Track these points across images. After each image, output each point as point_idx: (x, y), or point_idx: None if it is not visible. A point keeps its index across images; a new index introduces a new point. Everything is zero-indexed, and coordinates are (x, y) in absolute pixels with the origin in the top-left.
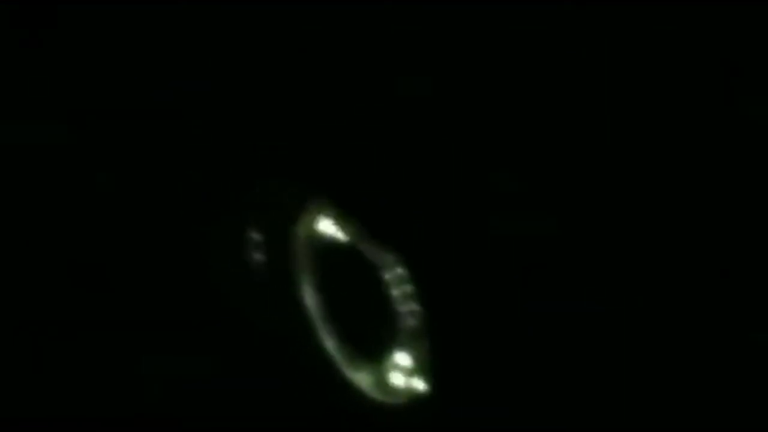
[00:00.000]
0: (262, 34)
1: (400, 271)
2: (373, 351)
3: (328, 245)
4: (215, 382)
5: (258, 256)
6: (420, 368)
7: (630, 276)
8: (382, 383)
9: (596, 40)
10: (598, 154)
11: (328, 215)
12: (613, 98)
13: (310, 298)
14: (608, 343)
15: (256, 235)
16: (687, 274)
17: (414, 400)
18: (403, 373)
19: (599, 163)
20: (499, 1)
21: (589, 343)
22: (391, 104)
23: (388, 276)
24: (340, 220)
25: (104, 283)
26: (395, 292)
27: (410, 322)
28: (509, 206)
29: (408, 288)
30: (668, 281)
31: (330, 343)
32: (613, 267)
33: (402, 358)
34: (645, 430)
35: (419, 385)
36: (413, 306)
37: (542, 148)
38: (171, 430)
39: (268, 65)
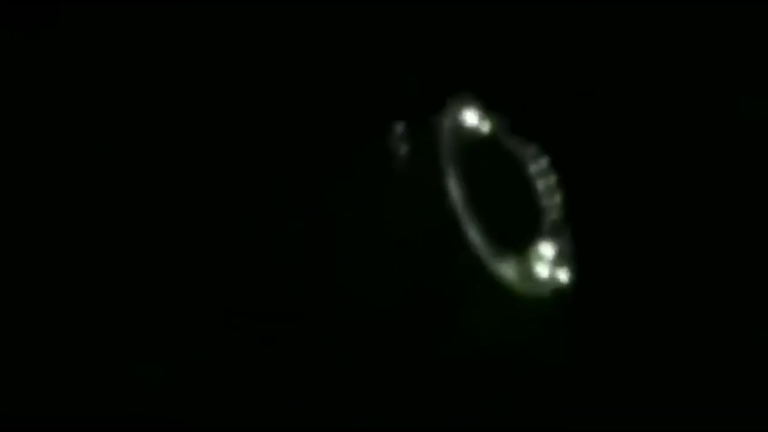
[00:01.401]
0: None
1: (543, 163)
2: (517, 242)
3: (472, 137)
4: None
5: (403, 148)
6: (564, 259)
7: None
8: (527, 274)
9: None
10: None
11: (472, 107)
12: None
13: (454, 189)
14: None
15: (401, 127)
16: None
17: (557, 291)
18: (547, 264)
19: None
20: None
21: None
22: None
23: (531, 168)
24: (485, 112)
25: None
26: (539, 185)
27: (554, 214)
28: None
29: (551, 180)
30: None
31: (474, 235)
32: None
33: (546, 250)
34: None
35: (563, 276)
36: (557, 198)
37: None
38: None
39: None
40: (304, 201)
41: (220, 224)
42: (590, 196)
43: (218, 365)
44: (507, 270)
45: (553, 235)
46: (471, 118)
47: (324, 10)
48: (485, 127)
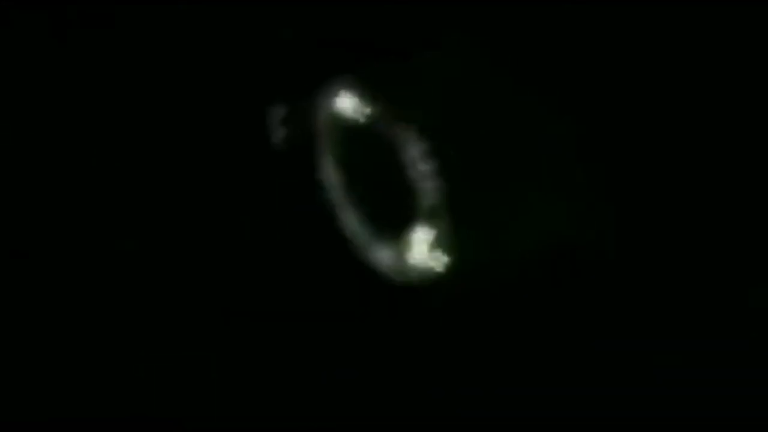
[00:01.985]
0: None
1: (420, 148)
2: (393, 229)
3: (349, 123)
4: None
5: (279, 134)
6: (440, 245)
7: None
8: (403, 261)
9: None
10: None
11: (349, 93)
12: None
13: (331, 175)
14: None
15: (278, 112)
16: None
17: (434, 277)
18: (423, 250)
19: None
20: None
21: None
22: None
23: (408, 154)
24: (362, 98)
25: None
26: (415, 170)
27: (430, 200)
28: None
29: (427, 166)
30: None
31: (351, 222)
32: None
33: (422, 236)
34: None
35: (440, 262)
36: (432, 184)
37: None
38: None
39: None
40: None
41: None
42: (467, 182)
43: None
44: (383, 256)
45: (430, 220)
46: (348, 103)
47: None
48: (362, 113)
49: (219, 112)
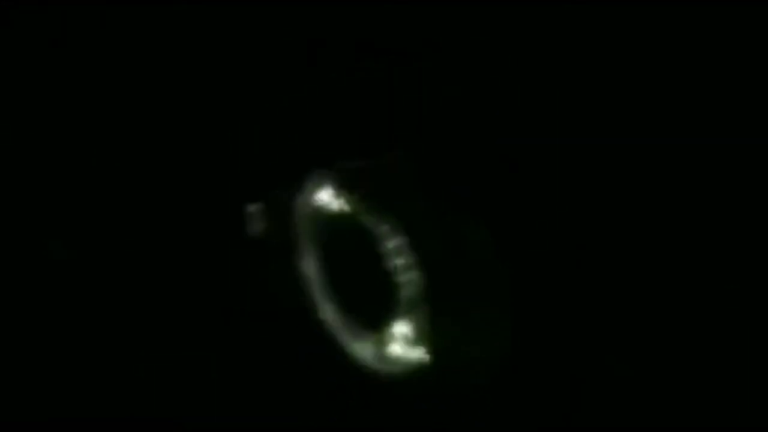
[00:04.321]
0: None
1: (399, 241)
2: (373, 321)
3: (329, 216)
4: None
5: (260, 226)
6: (419, 338)
7: None
8: (382, 353)
9: None
10: None
11: (329, 186)
12: None
13: (311, 268)
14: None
15: (258, 206)
16: None
17: (413, 369)
18: (402, 342)
19: None
20: None
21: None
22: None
23: (387, 246)
24: (341, 191)
25: None
26: (395, 262)
27: (409, 292)
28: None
29: (407, 258)
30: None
31: (330, 314)
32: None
33: (402, 328)
34: None
35: (418, 354)
36: (412, 276)
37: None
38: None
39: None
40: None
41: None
42: (447, 272)
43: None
44: (362, 348)
45: (409, 313)
46: (326, 196)
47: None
48: (341, 205)
49: (199, 207)
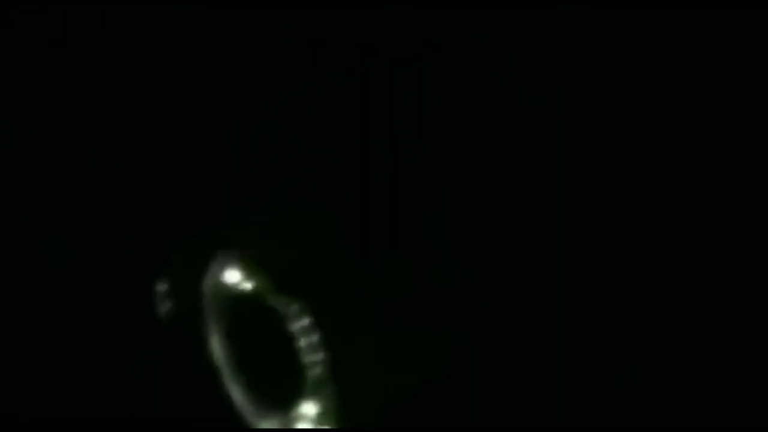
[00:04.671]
0: None
1: (305, 321)
2: (280, 400)
3: (235, 296)
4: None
5: (167, 307)
6: (326, 417)
7: None
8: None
9: None
10: None
11: (235, 266)
12: None
13: (217, 348)
14: None
15: (164, 286)
16: None
17: None
18: (310, 422)
19: None
20: None
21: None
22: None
23: (294, 326)
24: (247, 270)
25: None
26: (301, 342)
27: (316, 371)
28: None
29: (313, 338)
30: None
31: (237, 393)
32: None
33: (309, 408)
34: None
35: None
36: (319, 355)
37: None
38: None
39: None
40: None
41: None
42: (354, 351)
43: None
44: (271, 428)
45: (316, 392)
46: (233, 276)
47: None
48: (247, 285)
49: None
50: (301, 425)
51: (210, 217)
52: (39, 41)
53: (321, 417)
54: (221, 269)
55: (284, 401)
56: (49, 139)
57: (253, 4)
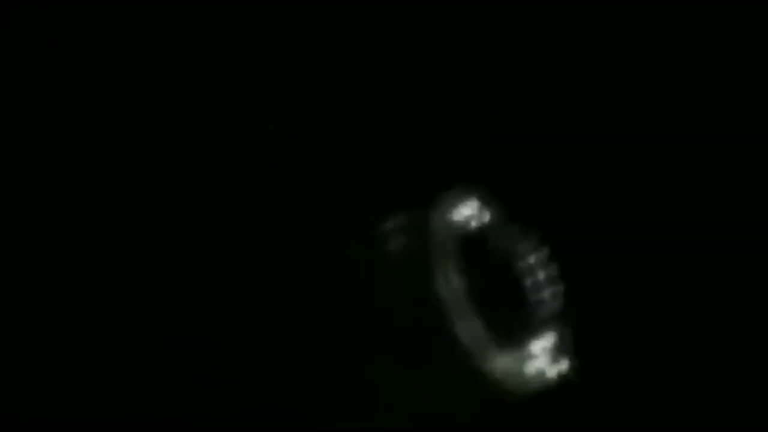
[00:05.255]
0: None
1: (536, 257)
2: (510, 339)
3: (464, 233)
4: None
5: (393, 244)
6: (560, 355)
7: None
8: (521, 371)
9: None
10: None
11: (464, 201)
12: None
13: (445, 286)
14: None
15: (392, 223)
16: None
17: (553, 387)
18: (542, 360)
19: None
20: None
21: None
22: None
23: (524, 263)
24: (477, 206)
25: None
26: (531, 279)
27: (548, 309)
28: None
29: (544, 274)
30: None
31: (467, 333)
32: None
33: (541, 345)
34: None
35: (558, 372)
36: (550, 293)
37: None
38: None
39: None
40: None
41: None
42: (587, 290)
43: None
44: (501, 367)
45: (548, 330)
46: (464, 211)
47: None
48: (478, 221)
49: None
50: (533, 364)
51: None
52: (39, 41)
53: (554, 355)
54: (452, 205)
55: (515, 340)
56: (49, 139)
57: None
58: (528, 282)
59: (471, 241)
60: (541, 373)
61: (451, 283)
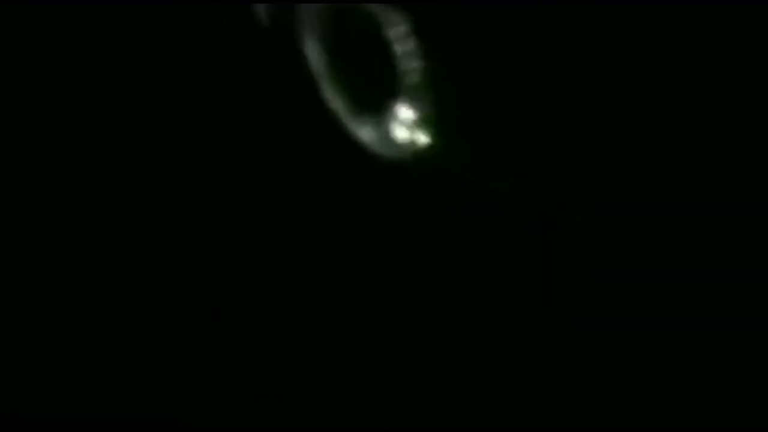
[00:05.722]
0: None
1: (403, 28)
2: (376, 105)
3: (333, 3)
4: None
5: (265, 14)
6: (423, 122)
7: None
8: (386, 136)
9: None
10: None
11: None
12: None
13: (314, 55)
14: None
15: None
16: None
17: (416, 153)
18: (406, 126)
19: None
20: None
21: None
22: None
23: (391, 33)
24: None
25: None
26: (398, 49)
27: (413, 78)
28: None
29: (410, 44)
30: None
31: (334, 99)
32: None
33: (405, 112)
34: None
35: (421, 138)
36: (416, 62)
37: None
38: None
39: None
40: None
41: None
42: (451, 58)
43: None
44: (366, 132)
45: (413, 98)
46: None
47: None
48: None
49: None
50: (397, 130)
51: None
52: (39, 41)
53: (417, 122)
54: None
55: (380, 106)
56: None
57: None
58: (395, 51)
59: (339, 11)
60: (404, 139)
61: (318, 52)
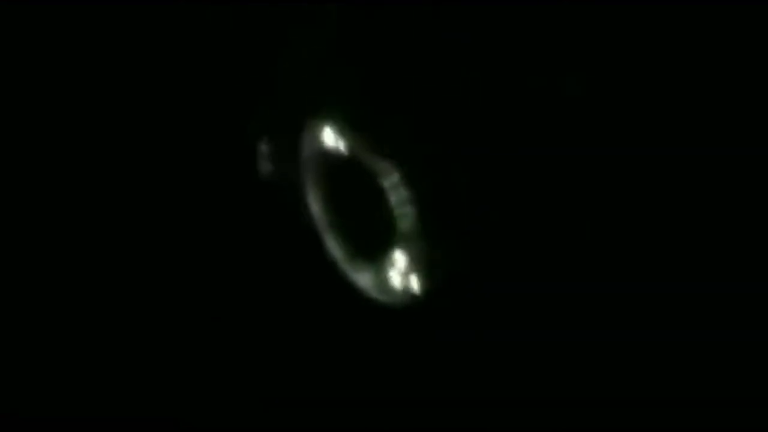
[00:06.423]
0: None
1: (395, 177)
2: (373, 252)
3: (330, 156)
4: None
5: (268, 166)
6: (415, 268)
7: None
8: (382, 282)
9: None
10: None
11: (330, 127)
12: None
13: (315, 205)
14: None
15: (266, 147)
16: None
17: (409, 298)
18: (399, 272)
19: None
20: None
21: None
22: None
23: (385, 183)
24: (342, 132)
25: None
26: (392, 198)
27: (406, 224)
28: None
29: (403, 193)
30: None
31: (334, 247)
32: None
33: (399, 258)
34: None
35: (414, 284)
36: (409, 210)
37: None
38: None
39: None
40: None
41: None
42: (442, 206)
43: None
44: (363, 278)
45: (406, 244)
46: (329, 138)
47: None
48: (342, 145)
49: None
50: (392, 276)
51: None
52: (39, 41)
53: (410, 269)
54: (319, 130)
55: (377, 253)
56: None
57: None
58: (389, 199)
59: (337, 164)
60: (398, 285)
61: (320, 205)
